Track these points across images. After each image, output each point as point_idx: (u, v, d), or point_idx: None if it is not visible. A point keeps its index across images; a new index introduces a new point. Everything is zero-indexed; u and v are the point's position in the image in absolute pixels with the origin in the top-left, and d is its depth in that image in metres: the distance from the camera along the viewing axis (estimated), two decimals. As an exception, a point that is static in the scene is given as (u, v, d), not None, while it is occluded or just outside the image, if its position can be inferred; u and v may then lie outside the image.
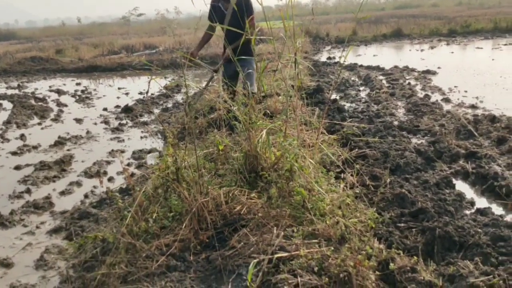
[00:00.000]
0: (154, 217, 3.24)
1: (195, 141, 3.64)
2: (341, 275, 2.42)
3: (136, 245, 2.98)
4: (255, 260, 2.55)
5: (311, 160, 3.71)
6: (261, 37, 4.70)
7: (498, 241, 2.97)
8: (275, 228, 2.97)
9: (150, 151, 5.97)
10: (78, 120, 8.13)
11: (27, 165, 5.70)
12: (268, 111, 5.85)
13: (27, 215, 4.26)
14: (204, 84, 6.35)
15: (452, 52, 14.58)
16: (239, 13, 4.67)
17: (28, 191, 4.85)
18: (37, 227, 4.01)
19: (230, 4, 5.08)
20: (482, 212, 3.51)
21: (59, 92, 11.41)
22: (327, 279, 2.44)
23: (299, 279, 2.45)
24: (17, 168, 5.62)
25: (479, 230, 3.12)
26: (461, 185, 4.19)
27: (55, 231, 3.89)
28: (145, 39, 24.34)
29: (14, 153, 6.28)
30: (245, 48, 4.93)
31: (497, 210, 3.64)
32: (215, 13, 5.27)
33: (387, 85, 9.19)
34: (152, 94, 10.12)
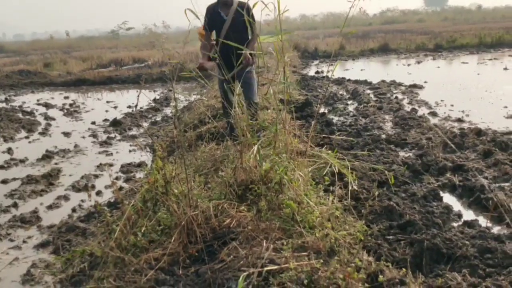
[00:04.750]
0: (143, 230, 3.21)
1: (184, 154, 3.64)
2: (331, 288, 2.42)
3: (125, 259, 2.95)
4: (245, 274, 2.54)
5: (300, 173, 3.72)
6: (252, 52, 4.68)
7: (485, 253, 3.01)
8: (264, 241, 2.97)
9: (139, 165, 5.95)
10: (66, 134, 8.08)
11: (14, 179, 5.64)
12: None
13: (14, 229, 4.20)
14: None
15: (438, 67, 14.80)
16: (241, 20, 4.43)
17: (15, 205, 4.79)
18: (24, 242, 3.96)
19: (230, 10, 4.81)
20: (469, 224, 3.55)
21: (47, 105, 11.35)
22: (316, 292, 2.44)
23: (288, 292, 2.45)
24: (4, 182, 5.56)
25: (467, 242, 3.15)
26: (448, 198, 4.24)
27: (42, 245, 3.84)
28: (134, 53, 24.36)
29: (1, 167, 6.21)
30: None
31: (484, 222, 3.68)
32: (213, 20, 4.92)
33: (374, 99, 9.29)
34: (141, 107, 10.11)
